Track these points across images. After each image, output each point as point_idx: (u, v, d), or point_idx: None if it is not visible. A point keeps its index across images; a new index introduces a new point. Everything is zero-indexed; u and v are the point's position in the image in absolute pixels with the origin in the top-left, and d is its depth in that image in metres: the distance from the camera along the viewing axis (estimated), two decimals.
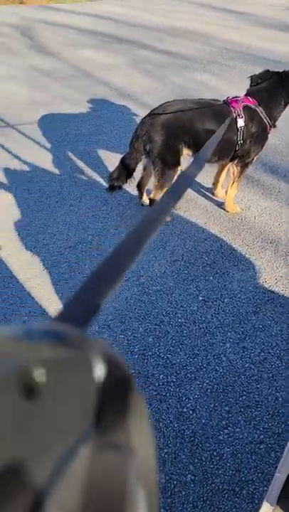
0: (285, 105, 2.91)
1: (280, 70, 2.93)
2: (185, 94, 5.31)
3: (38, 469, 0.19)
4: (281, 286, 2.50)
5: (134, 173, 2.92)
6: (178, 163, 2.80)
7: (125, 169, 2.87)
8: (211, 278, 2.54)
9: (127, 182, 2.93)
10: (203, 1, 11.84)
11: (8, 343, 0.20)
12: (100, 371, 0.22)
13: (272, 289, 2.48)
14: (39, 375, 0.19)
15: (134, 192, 3.20)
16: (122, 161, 2.88)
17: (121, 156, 2.97)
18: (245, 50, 7.22)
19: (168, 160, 2.76)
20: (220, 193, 3.23)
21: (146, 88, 5.57)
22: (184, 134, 2.73)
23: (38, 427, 0.20)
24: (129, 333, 2.19)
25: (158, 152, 2.74)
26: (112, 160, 3.72)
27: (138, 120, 4.48)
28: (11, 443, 0.18)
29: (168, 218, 3.00)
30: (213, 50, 7.24)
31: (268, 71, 2.94)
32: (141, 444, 0.24)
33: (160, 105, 2.83)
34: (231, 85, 5.58)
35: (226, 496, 1.60)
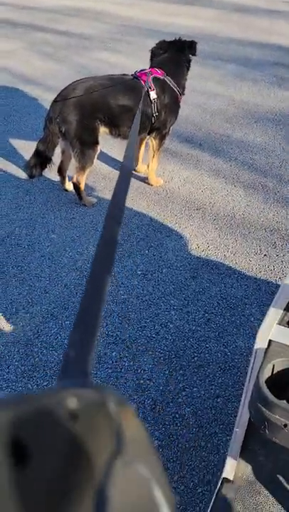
0: (188, 70, 2.99)
1: (173, 39, 2.97)
2: (90, 73, 5.20)
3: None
4: (213, 249, 2.60)
5: (53, 158, 2.84)
6: (96, 142, 2.76)
7: (42, 155, 2.78)
8: (147, 251, 2.58)
9: (46, 167, 2.85)
10: None
11: None
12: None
13: (206, 253, 2.57)
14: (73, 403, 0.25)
15: (56, 178, 3.13)
16: (38, 147, 2.79)
17: (35, 143, 2.87)
18: (142, 26, 7.22)
19: (86, 140, 2.72)
20: (141, 168, 3.25)
21: (49, 71, 5.40)
22: (98, 112, 2.70)
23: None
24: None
25: (74, 133, 2.68)
26: (25, 148, 3.59)
27: (47, 105, 4.34)
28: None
29: (93, 200, 2.98)
30: (110, 28, 7.17)
31: (164, 41, 2.99)
32: (145, 454, 0.28)
33: (69, 84, 2.77)
34: (134, 61, 5.57)
35: (193, 452, 1.67)
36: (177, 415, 1.77)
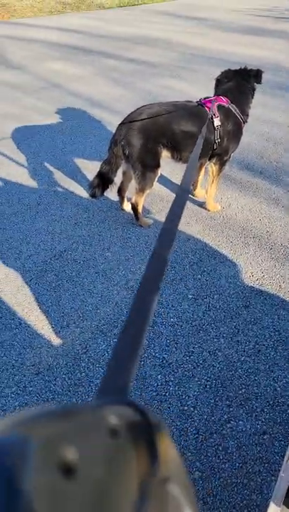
0: (252, 98, 3.01)
1: (238, 68, 3.01)
2: (154, 99, 5.37)
3: None
4: (268, 279, 2.54)
5: (115, 179, 2.92)
6: (158, 166, 2.81)
7: (105, 176, 2.86)
8: (199, 276, 2.56)
9: (108, 188, 2.92)
10: (165, 10, 12.04)
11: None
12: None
13: (260, 283, 2.51)
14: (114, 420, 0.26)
15: (115, 197, 3.21)
16: (102, 168, 2.88)
17: (98, 164, 2.97)
18: (209, 55, 7.35)
19: (147, 163, 2.77)
20: (200, 192, 3.26)
21: (115, 96, 5.60)
22: (161, 136, 2.75)
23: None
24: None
25: (137, 156, 2.74)
26: (89, 168, 3.72)
27: (111, 127, 4.51)
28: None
29: (150, 221, 3.02)
30: (178, 56, 7.36)
31: (229, 70, 3.03)
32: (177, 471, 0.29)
33: (136, 109, 2.85)
34: (199, 88, 5.66)
35: (235, 489, 1.60)
36: (220, 448, 1.71)
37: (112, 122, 4.64)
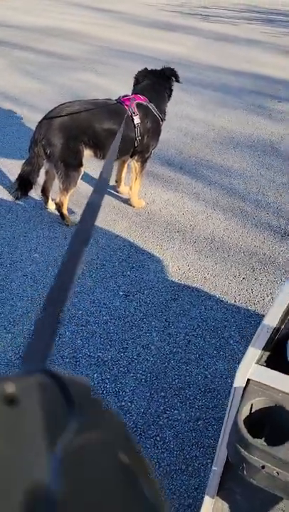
0: (169, 97, 3.10)
1: (159, 68, 3.08)
2: (72, 94, 5.31)
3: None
4: (193, 271, 2.65)
5: (38, 179, 2.86)
6: (80, 164, 2.81)
7: (27, 177, 2.80)
8: (129, 272, 2.61)
9: (32, 189, 2.86)
10: (78, 1, 11.85)
11: None
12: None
13: (186, 276, 2.62)
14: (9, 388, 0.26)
15: (38, 196, 3.14)
16: (23, 169, 2.81)
17: (19, 162, 2.89)
18: (123, 48, 7.39)
19: (70, 162, 2.76)
20: (124, 189, 3.30)
21: (31, 90, 5.45)
22: (83, 135, 2.74)
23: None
24: (57, 339, 2.17)
25: (59, 155, 2.72)
26: (8, 167, 3.60)
27: (29, 123, 4.39)
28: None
29: (75, 220, 3.00)
30: (92, 49, 7.31)
31: (146, 69, 3.10)
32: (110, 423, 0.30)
33: (55, 107, 2.81)
34: (116, 83, 5.69)
35: (174, 475, 1.68)
36: (158, 438, 1.78)
37: (30, 118, 4.52)
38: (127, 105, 2.83)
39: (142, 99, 2.90)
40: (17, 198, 2.87)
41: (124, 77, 6.03)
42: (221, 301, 2.45)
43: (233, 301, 2.45)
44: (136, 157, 3.02)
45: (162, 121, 3.04)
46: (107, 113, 2.79)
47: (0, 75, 5.96)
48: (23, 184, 2.81)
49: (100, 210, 0.56)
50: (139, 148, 2.95)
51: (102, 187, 0.61)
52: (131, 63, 6.60)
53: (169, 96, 3.10)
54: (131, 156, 3.02)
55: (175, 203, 3.30)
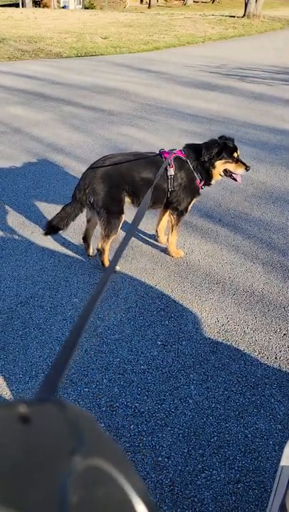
0: (212, 166, 2.95)
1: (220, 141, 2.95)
2: (114, 146, 5.56)
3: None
4: (232, 324, 2.62)
5: (79, 224, 2.96)
6: (122, 212, 2.90)
7: (64, 218, 2.91)
8: (167, 322, 2.60)
9: (65, 228, 2.96)
10: (122, 62, 12.64)
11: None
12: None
13: (225, 328, 2.58)
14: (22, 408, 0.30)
15: (79, 242, 3.23)
16: (63, 210, 2.94)
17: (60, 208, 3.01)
18: (165, 106, 7.74)
19: (112, 209, 2.85)
20: (162, 239, 3.36)
21: (76, 142, 5.74)
22: (124, 184, 2.84)
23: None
24: (94, 386, 2.15)
25: (102, 203, 2.82)
26: (52, 213, 3.73)
27: (74, 172, 4.60)
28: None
29: (116, 267, 3.05)
30: (136, 106, 7.69)
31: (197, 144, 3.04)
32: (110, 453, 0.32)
33: (99, 159, 2.95)
34: (155, 137, 5.92)
35: None
36: (196, 499, 1.70)
37: (74, 167, 4.74)
38: (164, 157, 2.90)
39: (182, 154, 2.97)
40: (46, 234, 3.02)
41: (163, 132, 6.29)
42: (262, 356, 2.39)
43: (274, 358, 2.38)
44: (170, 209, 3.07)
45: (201, 181, 3.03)
46: (145, 164, 2.89)
47: (47, 127, 6.32)
48: (57, 224, 2.92)
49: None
50: (171, 199, 3.00)
51: (130, 233, 0.73)
52: (170, 119, 6.90)
53: (211, 164, 2.94)
54: (166, 207, 3.09)
55: (214, 254, 3.32)
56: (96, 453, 0.30)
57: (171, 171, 2.91)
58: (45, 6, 35.17)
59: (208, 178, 3.04)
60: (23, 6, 33.30)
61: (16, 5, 33.14)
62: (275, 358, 2.38)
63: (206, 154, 2.90)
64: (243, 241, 3.51)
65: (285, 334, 2.55)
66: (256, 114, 7.38)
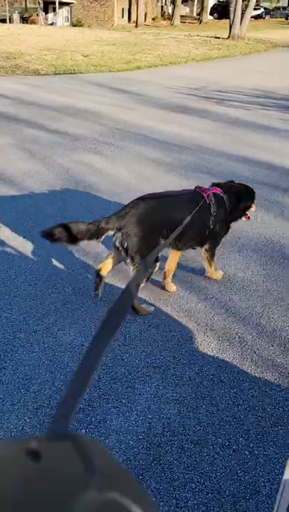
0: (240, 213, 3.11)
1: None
2: (70, 178, 5.00)
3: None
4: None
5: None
6: (157, 260, 2.65)
7: (74, 232, 2.56)
8: None
9: (64, 241, 2.58)
10: (99, 81, 12.20)
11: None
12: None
13: None
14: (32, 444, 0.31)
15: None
16: (76, 224, 2.60)
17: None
18: (135, 130, 7.23)
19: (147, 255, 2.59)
20: (169, 284, 3.05)
21: (27, 171, 5.17)
22: (162, 228, 2.63)
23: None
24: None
25: (138, 249, 2.58)
26: None
27: (17, 205, 4.03)
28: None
29: (150, 308, 2.81)
30: (104, 130, 7.17)
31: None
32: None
33: (132, 202, 2.69)
34: (117, 167, 5.38)
35: None
36: None
37: (20, 200, 4.16)
38: (205, 194, 2.83)
39: (218, 191, 2.93)
40: (43, 235, 2.59)
41: (128, 160, 5.75)
42: None
43: None
44: (206, 246, 3.00)
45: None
46: (185, 203, 2.75)
47: (2, 154, 5.75)
48: (62, 232, 2.55)
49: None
50: (208, 236, 2.93)
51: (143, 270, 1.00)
52: (138, 146, 6.37)
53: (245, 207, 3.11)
54: (201, 245, 2.99)
55: (160, 324, 2.73)
56: (111, 486, 0.29)
57: (214, 208, 2.84)
58: (33, 22, 34.99)
59: (234, 219, 3.09)
60: (10, 22, 33.07)
61: (4, 21, 32.88)
62: None
63: (244, 202, 3.06)
64: (197, 304, 2.93)
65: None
66: (230, 141, 6.91)
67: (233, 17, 24.33)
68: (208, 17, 42.67)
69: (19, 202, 4.23)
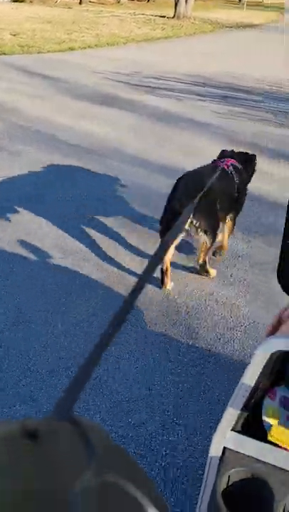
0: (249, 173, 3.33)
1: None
2: None
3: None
4: None
5: None
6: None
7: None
8: None
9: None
10: (22, 65, 10.74)
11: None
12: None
13: None
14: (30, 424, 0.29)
15: None
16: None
17: None
18: (42, 129, 6.03)
19: (217, 229, 2.96)
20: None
21: None
22: (217, 200, 2.84)
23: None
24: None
25: (213, 227, 2.86)
26: None
27: None
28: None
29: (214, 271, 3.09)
30: (3, 128, 5.92)
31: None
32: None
33: (190, 171, 2.98)
34: (6, 184, 4.23)
35: None
36: None
37: None
38: (226, 165, 3.02)
39: (235, 162, 3.12)
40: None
41: (22, 171, 4.61)
42: None
43: None
44: (231, 215, 3.15)
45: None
46: (223, 176, 2.96)
47: None
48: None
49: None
50: (234, 205, 3.12)
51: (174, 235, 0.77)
52: (38, 151, 5.20)
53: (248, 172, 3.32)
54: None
55: None
56: (110, 468, 0.28)
57: (237, 178, 3.03)
58: None
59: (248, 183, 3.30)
60: None
61: None
62: None
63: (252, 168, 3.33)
64: None
65: None
66: (153, 142, 5.86)
67: None
68: None
69: None
